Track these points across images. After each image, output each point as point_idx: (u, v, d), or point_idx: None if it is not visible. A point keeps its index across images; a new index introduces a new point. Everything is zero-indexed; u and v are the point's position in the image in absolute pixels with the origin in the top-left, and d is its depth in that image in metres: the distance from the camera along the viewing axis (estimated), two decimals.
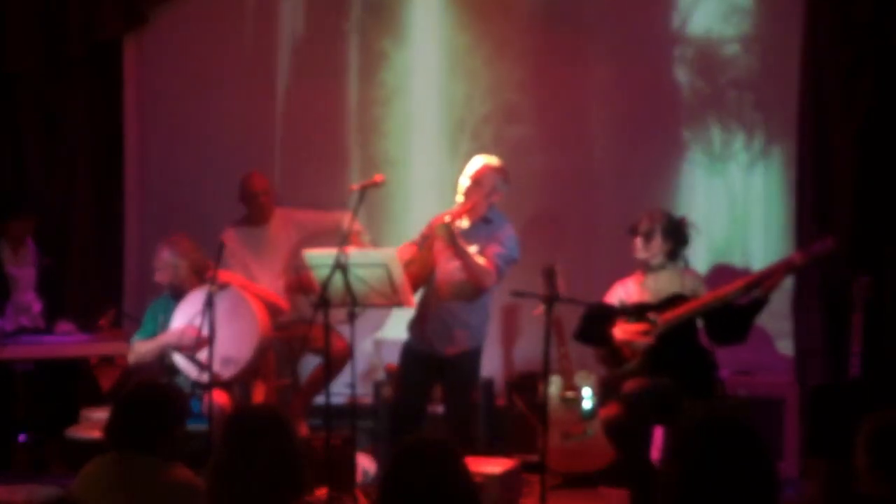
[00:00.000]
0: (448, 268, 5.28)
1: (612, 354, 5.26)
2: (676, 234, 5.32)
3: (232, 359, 5.47)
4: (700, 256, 6.22)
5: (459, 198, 5.30)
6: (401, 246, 5.29)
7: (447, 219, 5.16)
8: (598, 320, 5.26)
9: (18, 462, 6.30)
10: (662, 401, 5.06)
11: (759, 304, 5.10)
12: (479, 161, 5.38)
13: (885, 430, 3.11)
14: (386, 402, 6.17)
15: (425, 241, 5.31)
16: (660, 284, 5.29)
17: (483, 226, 5.33)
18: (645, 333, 5.17)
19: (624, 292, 5.35)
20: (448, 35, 6.90)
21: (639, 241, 5.31)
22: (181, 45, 7.20)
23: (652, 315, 5.17)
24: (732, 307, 5.12)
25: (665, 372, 5.14)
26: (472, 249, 5.20)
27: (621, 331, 5.21)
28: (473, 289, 5.26)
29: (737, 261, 6.43)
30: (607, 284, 5.47)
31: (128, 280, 7.13)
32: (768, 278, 5.05)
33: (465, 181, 5.32)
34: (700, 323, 5.26)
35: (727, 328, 5.17)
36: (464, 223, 5.28)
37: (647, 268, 5.34)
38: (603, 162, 6.68)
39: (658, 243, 5.28)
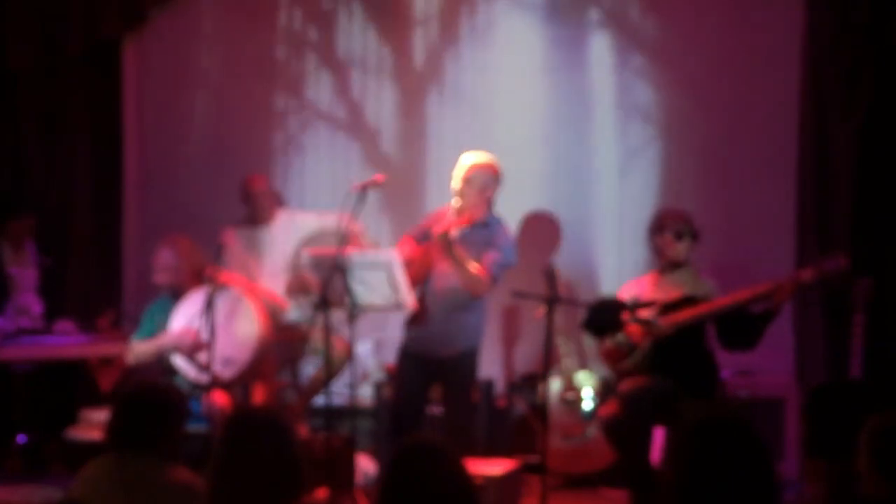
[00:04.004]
0: (446, 270, 5.24)
1: (616, 347, 5.25)
2: (696, 236, 5.33)
3: (232, 360, 5.46)
4: (701, 259, 6.21)
5: (455, 200, 5.27)
6: (399, 241, 5.26)
7: (452, 232, 5.10)
8: (606, 310, 5.25)
9: (17, 463, 6.30)
10: (662, 401, 5.06)
11: (770, 315, 5.08)
12: (468, 160, 5.29)
13: (887, 430, 3.10)
14: (386, 403, 6.17)
15: (425, 239, 5.27)
16: (675, 285, 5.28)
17: (481, 230, 5.24)
18: (644, 334, 5.17)
19: (638, 290, 5.34)
20: (451, 27, 6.89)
21: (669, 239, 5.29)
22: (181, 45, 7.19)
23: (652, 316, 5.16)
24: (746, 315, 5.11)
25: (667, 373, 5.13)
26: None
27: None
28: (468, 295, 5.24)
29: (737, 263, 6.41)
30: (609, 285, 5.46)
31: (127, 280, 7.12)
32: (777, 293, 5.01)
33: (456, 183, 5.26)
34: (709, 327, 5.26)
35: (739, 335, 5.16)
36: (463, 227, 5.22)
37: (664, 268, 5.34)
38: (604, 161, 6.67)
39: (687, 244, 5.29)
